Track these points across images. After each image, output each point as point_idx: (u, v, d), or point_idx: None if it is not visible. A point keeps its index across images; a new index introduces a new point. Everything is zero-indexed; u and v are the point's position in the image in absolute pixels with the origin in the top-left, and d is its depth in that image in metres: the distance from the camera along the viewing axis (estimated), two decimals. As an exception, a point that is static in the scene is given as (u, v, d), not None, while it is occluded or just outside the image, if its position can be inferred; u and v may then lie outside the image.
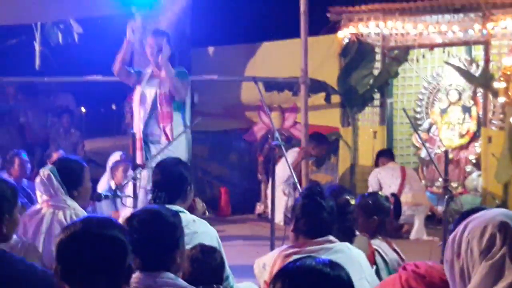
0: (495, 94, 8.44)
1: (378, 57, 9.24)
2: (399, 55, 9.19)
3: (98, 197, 4.50)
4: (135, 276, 2.45)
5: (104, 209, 6.86)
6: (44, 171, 3.90)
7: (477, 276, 1.73)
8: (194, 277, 3.01)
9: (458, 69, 8.95)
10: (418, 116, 9.72)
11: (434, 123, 9.56)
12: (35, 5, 7.97)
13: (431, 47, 9.21)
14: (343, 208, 3.45)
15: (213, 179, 9.71)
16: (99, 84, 10.04)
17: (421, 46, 9.16)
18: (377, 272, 3.57)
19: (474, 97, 9.28)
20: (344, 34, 9.23)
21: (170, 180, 3.66)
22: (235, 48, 10.36)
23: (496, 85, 8.39)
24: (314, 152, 8.50)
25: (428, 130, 9.60)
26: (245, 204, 9.49)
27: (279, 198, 7.40)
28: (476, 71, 9.03)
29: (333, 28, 9.41)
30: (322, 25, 9.50)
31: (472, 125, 9.22)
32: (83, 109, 16.28)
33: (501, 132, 8.41)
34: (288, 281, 1.77)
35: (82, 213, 3.83)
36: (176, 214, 2.74)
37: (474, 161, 9.13)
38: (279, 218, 6.58)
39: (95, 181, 5.80)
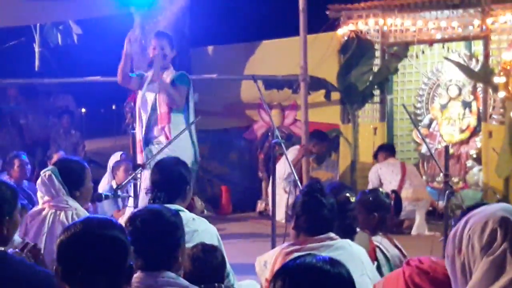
0: (495, 89, 8.44)
1: (377, 53, 9.24)
2: (398, 51, 9.18)
3: (98, 197, 4.51)
4: (136, 276, 2.45)
5: (105, 209, 6.87)
6: (46, 172, 3.90)
7: (478, 272, 1.73)
8: (196, 276, 3.01)
9: (458, 64, 8.95)
10: (418, 112, 9.72)
11: (435, 118, 9.56)
12: (34, 7, 7.97)
13: (431, 43, 9.21)
14: (343, 205, 3.45)
15: (214, 178, 9.72)
16: (99, 84, 10.04)
17: (420, 42, 9.16)
18: (379, 268, 3.57)
19: (474, 92, 9.27)
20: (344, 31, 9.22)
21: (169, 180, 3.66)
22: (234, 47, 10.36)
23: (496, 80, 8.39)
24: (314, 149, 8.51)
25: (429, 126, 9.60)
26: (246, 202, 9.51)
27: (280, 196, 7.40)
28: (475, 66, 9.03)
29: (332, 25, 9.41)
30: (321, 22, 9.49)
31: (472, 120, 9.22)
32: (83, 110, 16.29)
33: (502, 127, 8.41)
34: (289, 279, 1.77)
35: (84, 214, 3.83)
36: (177, 213, 2.75)
37: (474, 156, 9.13)
38: (280, 215, 6.57)
39: (95, 182, 5.80)
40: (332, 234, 3.09)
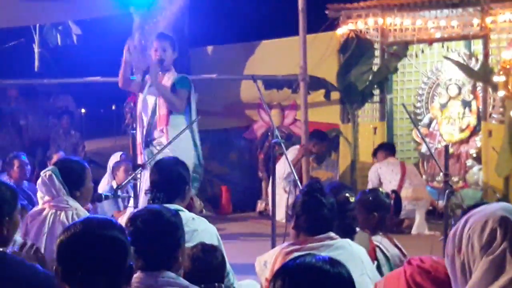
0: (495, 88, 8.44)
1: (377, 53, 9.24)
2: (398, 50, 9.18)
3: (98, 198, 4.51)
4: (136, 276, 2.45)
5: (106, 209, 6.87)
6: (46, 172, 3.90)
7: (478, 272, 1.73)
8: (195, 276, 3.01)
9: (458, 63, 8.95)
10: (418, 111, 9.72)
11: (434, 118, 9.56)
12: (33, 7, 7.97)
13: (430, 42, 9.21)
14: (343, 205, 3.45)
15: (214, 178, 9.71)
16: (98, 85, 10.05)
17: (420, 41, 9.16)
18: (379, 268, 3.57)
19: (473, 91, 9.27)
20: (343, 31, 9.22)
21: (168, 180, 3.66)
22: (234, 47, 10.36)
23: (496, 79, 8.39)
24: (314, 149, 8.51)
25: (428, 125, 9.60)
26: (246, 202, 9.51)
27: (280, 196, 7.41)
28: (475, 65, 9.03)
29: (332, 25, 9.40)
30: (320, 22, 9.49)
31: (472, 119, 9.22)
32: (83, 110, 16.29)
33: (501, 126, 8.41)
34: (288, 278, 1.77)
35: (84, 214, 3.83)
36: (177, 213, 2.75)
37: (474, 155, 9.13)
38: (280, 215, 6.57)
39: (95, 182, 5.80)
40: (332, 234, 3.10)
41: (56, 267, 2.02)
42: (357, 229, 3.66)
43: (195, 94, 6.23)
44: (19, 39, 10.98)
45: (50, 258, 3.51)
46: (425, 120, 9.62)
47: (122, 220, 3.14)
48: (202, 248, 3.22)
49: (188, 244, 3.08)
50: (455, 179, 8.98)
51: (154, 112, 6.07)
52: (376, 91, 9.34)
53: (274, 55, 9.63)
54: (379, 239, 3.88)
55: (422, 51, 9.45)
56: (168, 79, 6.07)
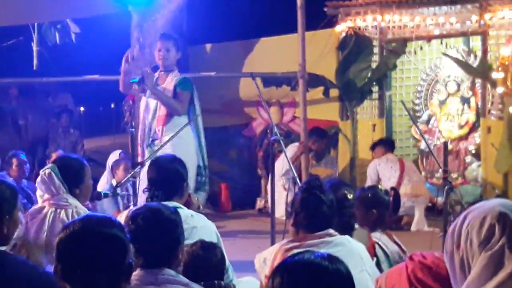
0: (494, 84, 8.44)
1: (376, 50, 9.24)
2: (397, 47, 9.18)
3: (98, 196, 4.51)
4: (136, 273, 2.45)
5: (105, 207, 6.87)
6: (45, 170, 3.90)
7: (476, 267, 1.73)
8: (195, 273, 3.01)
9: (456, 60, 8.95)
10: (417, 108, 9.71)
11: (433, 114, 9.55)
12: (31, 6, 7.97)
13: (429, 38, 9.20)
14: (342, 202, 3.45)
15: (213, 175, 9.69)
16: (97, 83, 10.06)
17: (418, 38, 9.15)
18: (378, 265, 3.58)
19: (472, 87, 9.27)
20: (342, 28, 9.22)
21: (166, 178, 3.66)
22: (232, 45, 10.36)
23: (494, 75, 8.39)
24: (313, 146, 8.52)
25: (427, 122, 9.59)
26: (246, 199, 9.51)
27: (280, 193, 7.41)
28: (474, 62, 9.02)
29: (331, 22, 9.40)
30: (319, 19, 9.49)
31: (471, 116, 9.21)
32: (81, 109, 16.30)
33: (500, 122, 8.41)
34: (287, 275, 1.77)
35: (84, 212, 3.82)
36: (176, 211, 2.75)
37: (473, 151, 9.13)
38: (280, 212, 6.58)
39: (94, 180, 5.80)
40: (331, 231, 3.10)
41: (55, 265, 2.02)
42: (356, 226, 3.67)
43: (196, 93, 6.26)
44: (17, 37, 10.98)
45: (50, 256, 3.52)
46: (424, 117, 9.62)
47: (121, 218, 3.14)
48: (201, 245, 3.22)
49: (188, 241, 3.08)
50: (454, 175, 8.98)
51: (155, 113, 6.09)
52: (375, 88, 9.34)
53: (273, 53, 9.63)
54: (378, 236, 3.89)
55: (421, 48, 9.45)
56: (171, 80, 6.07)
